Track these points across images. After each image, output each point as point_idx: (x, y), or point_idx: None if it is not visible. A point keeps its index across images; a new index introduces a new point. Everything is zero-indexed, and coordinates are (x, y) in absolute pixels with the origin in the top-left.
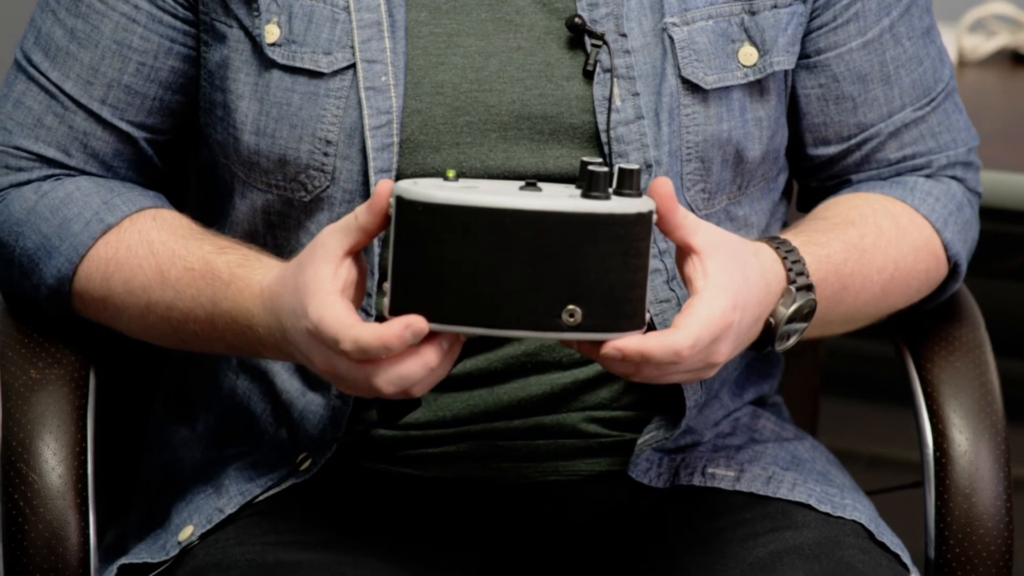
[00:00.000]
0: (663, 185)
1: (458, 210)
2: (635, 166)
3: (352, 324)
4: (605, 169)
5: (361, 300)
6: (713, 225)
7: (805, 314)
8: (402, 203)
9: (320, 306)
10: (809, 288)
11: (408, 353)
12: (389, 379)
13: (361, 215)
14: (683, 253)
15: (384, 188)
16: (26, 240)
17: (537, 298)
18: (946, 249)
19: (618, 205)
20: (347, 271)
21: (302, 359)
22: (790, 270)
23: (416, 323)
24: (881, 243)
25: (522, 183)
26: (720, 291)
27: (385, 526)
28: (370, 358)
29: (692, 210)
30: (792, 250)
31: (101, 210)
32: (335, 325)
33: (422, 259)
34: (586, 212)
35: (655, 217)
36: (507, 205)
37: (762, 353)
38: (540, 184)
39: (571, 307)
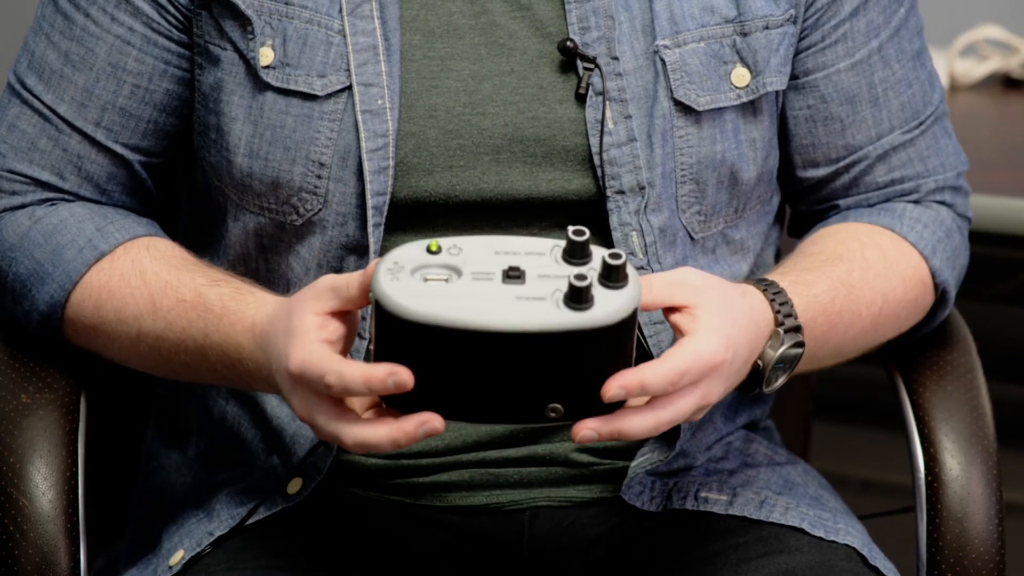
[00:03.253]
0: None
1: (436, 328)
2: (620, 260)
3: (338, 360)
4: (587, 283)
5: (348, 351)
6: (694, 270)
7: (793, 355)
8: (379, 306)
9: (303, 351)
10: (797, 330)
11: (383, 422)
12: (356, 440)
13: (353, 287)
14: (671, 310)
15: (375, 267)
16: (19, 265)
17: (519, 400)
18: (934, 277)
19: (603, 313)
20: (335, 327)
21: (287, 398)
22: (778, 312)
23: (400, 374)
24: (869, 277)
25: (505, 266)
26: (712, 332)
27: (376, 553)
28: (351, 395)
29: (689, 233)
30: (780, 292)
31: (95, 237)
32: (321, 362)
33: (401, 358)
34: (570, 329)
35: (639, 306)
36: (488, 327)
37: (750, 395)
38: (523, 264)
39: (554, 404)
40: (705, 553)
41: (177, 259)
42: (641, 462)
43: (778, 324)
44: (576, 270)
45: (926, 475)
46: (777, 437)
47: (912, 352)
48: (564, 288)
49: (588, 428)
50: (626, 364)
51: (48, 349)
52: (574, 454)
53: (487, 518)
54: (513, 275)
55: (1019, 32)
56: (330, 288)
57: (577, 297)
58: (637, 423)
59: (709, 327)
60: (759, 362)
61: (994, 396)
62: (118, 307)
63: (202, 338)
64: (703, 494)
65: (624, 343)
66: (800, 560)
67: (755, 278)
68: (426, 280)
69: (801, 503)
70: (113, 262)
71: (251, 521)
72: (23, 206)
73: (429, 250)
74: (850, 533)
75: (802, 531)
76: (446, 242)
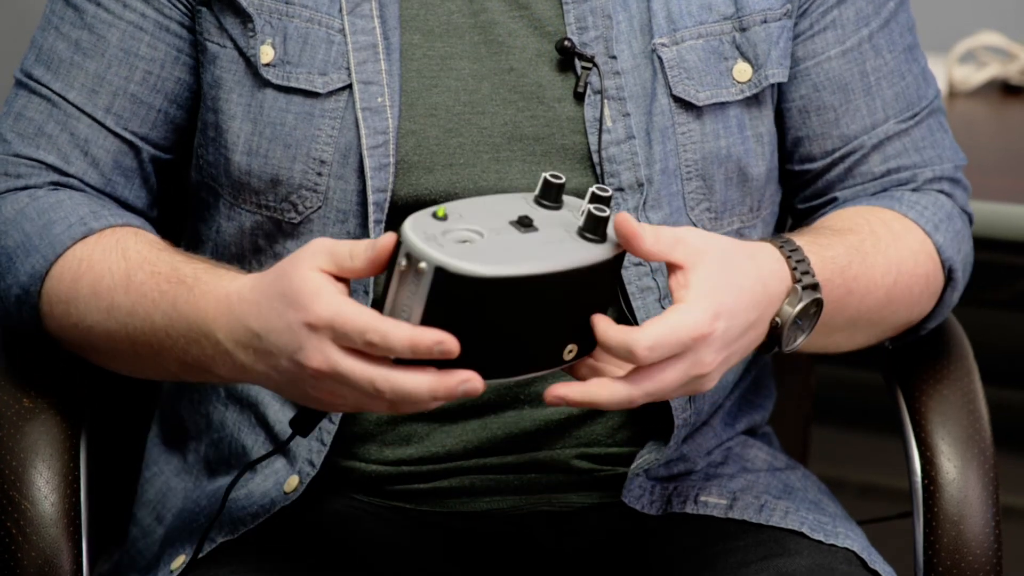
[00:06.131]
0: (624, 218)
1: (503, 282)
2: (604, 212)
3: (380, 318)
4: (606, 213)
5: None
6: (699, 231)
7: (812, 313)
8: (443, 274)
9: (332, 303)
10: (815, 287)
11: (423, 372)
12: (394, 387)
13: (357, 259)
14: (670, 269)
15: (388, 241)
16: (8, 239)
17: (551, 344)
18: (939, 253)
19: (613, 244)
20: (343, 287)
21: (266, 369)
22: (795, 269)
23: (447, 343)
24: (881, 247)
25: (513, 217)
26: (698, 301)
27: (376, 558)
28: (388, 355)
29: None
30: (796, 249)
31: (87, 216)
32: (360, 317)
33: (452, 324)
34: (605, 260)
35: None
36: (549, 269)
37: (768, 354)
38: (532, 216)
39: (571, 346)
40: (705, 557)
41: (162, 244)
42: (640, 463)
43: (795, 280)
44: (563, 211)
45: (923, 479)
46: (776, 442)
47: (909, 356)
48: (575, 227)
49: (556, 395)
50: (614, 303)
51: (50, 352)
52: (575, 460)
53: (488, 524)
54: (527, 224)
55: (1018, 38)
56: (327, 252)
57: (595, 230)
58: (609, 392)
59: (698, 295)
60: (777, 319)
61: (992, 401)
62: (95, 279)
63: (170, 309)
64: (703, 498)
65: (617, 278)
66: (799, 563)
67: (771, 236)
68: (462, 242)
69: (800, 507)
70: (99, 239)
71: (252, 525)
72: (26, 187)
73: (436, 216)
74: (849, 537)
75: (801, 535)
76: (446, 208)
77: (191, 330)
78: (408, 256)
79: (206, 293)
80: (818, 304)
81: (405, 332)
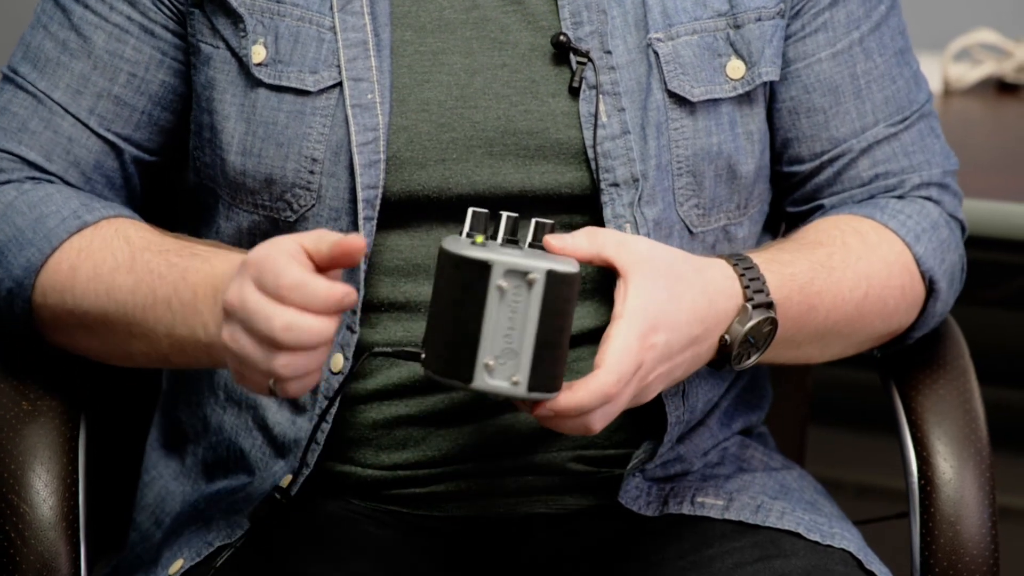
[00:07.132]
0: (548, 238)
1: (572, 277)
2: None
3: (308, 273)
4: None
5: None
6: (650, 241)
7: (765, 332)
8: (554, 278)
9: (270, 248)
10: (768, 306)
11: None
12: (291, 323)
13: (323, 243)
14: (617, 276)
15: (359, 241)
16: None
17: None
18: (918, 264)
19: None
20: (307, 260)
21: (216, 329)
22: (747, 287)
23: (351, 296)
24: (850, 260)
25: (501, 242)
26: (636, 316)
27: (373, 562)
28: (295, 304)
29: (687, 226)
30: (752, 267)
31: (80, 209)
32: (285, 264)
33: (560, 331)
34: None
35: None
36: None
37: (720, 371)
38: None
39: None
40: (701, 558)
41: (163, 230)
42: (636, 463)
43: (747, 299)
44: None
45: (919, 479)
46: (772, 443)
47: (905, 356)
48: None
49: (547, 408)
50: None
51: (49, 356)
52: (571, 463)
53: (485, 527)
54: (516, 244)
55: (1013, 36)
56: (316, 233)
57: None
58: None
59: (635, 310)
60: (726, 337)
61: (989, 400)
62: (96, 263)
63: (180, 280)
64: (699, 499)
65: None
66: (796, 564)
67: (728, 253)
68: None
69: (797, 508)
70: (96, 231)
71: (248, 527)
72: (8, 182)
73: (477, 243)
74: (845, 538)
75: (798, 535)
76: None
77: (202, 297)
78: (510, 274)
79: (224, 260)
80: (772, 323)
81: (323, 283)
